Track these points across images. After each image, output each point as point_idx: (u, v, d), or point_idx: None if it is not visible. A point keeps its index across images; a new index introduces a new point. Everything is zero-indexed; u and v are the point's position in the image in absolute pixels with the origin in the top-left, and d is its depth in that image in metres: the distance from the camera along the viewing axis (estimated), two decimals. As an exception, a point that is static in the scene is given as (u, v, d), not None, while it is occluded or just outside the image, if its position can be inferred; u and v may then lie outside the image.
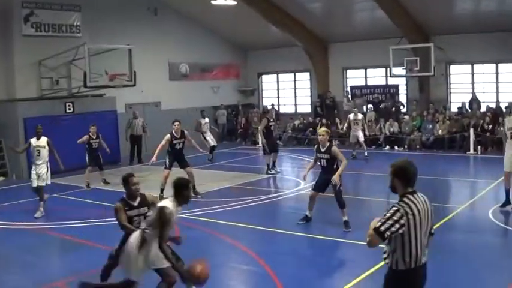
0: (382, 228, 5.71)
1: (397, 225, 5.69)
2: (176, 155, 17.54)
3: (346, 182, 15.33)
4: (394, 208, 5.79)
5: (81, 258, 11.82)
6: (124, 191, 9.19)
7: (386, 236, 5.72)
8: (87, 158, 20.81)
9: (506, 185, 14.87)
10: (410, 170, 5.98)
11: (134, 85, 24.94)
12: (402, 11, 27.99)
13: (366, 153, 25.06)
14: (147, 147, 27.23)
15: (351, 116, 26.00)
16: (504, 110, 26.99)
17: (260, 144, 24.00)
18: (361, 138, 25.60)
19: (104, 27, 26.53)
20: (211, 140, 25.40)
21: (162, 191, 16.97)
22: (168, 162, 17.46)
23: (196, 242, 12.44)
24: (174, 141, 17.51)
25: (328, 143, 13.47)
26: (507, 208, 14.68)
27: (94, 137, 20.90)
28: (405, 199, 5.86)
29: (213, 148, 25.19)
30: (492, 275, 10.29)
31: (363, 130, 26.20)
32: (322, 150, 13.42)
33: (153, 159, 17.61)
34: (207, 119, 26.38)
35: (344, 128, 27.31)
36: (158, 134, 26.96)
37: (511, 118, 15.40)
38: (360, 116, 26.07)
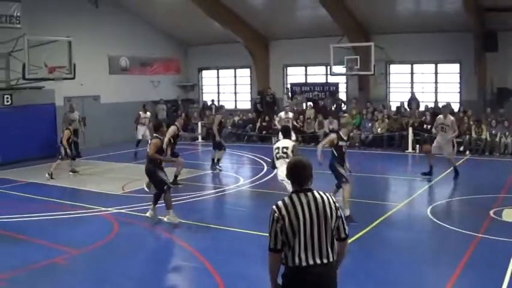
0: (271, 244, 5.64)
1: (279, 232, 5.56)
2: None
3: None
4: (271, 216, 5.65)
5: (18, 253, 11.41)
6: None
7: (279, 248, 5.62)
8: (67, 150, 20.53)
9: (429, 162, 19.06)
10: (295, 168, 5.79)
11: (73, 78, 24.42)
12: (344, 10, 28.15)
13: None
14: (85, 140, 26.74)
15: (282, 114, 25.84)
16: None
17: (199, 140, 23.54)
18: (292, 137, 25.59)
19: (44, 19, 25.82)
20: (141, 134, 25.59)
21: None
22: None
23: (136, 238, 12.23)
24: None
25: None
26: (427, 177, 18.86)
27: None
28: (286, 198, 5.71)
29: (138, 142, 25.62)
30: (431, 271, 10.35)
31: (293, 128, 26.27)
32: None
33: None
34: (148, 114, 26.18)
35: (276, 125, 27.15)
36: (97, 128, 26.80)
37: (441, 116, 19.42)
38: (290, 114, 25.82)
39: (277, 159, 13.70)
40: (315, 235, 5.62)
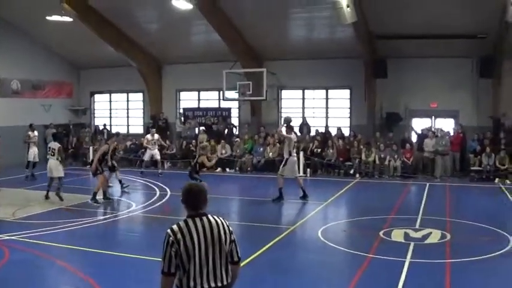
0: (165, 268, 5.64)
1: (173, 256, 5.58)
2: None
3: (172, 202, 16.90)
4: (166, 239, 5.67)
5: None
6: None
7: (172, 271, 5.63)
8: None
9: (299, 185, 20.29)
10: (191, 193, 5.85)
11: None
12: (237, 36, 28.50)
13: (160, 171, 27.11)
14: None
15: (149, 136, 27.78)
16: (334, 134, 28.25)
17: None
18: (158, 156, 27.71)
19: None
20: (33, 155, 25.40)
21: None
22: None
23: (28, 266, 11.91)
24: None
25: None
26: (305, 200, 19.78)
27: None
28: (181, 223, 5.75)
29: (34, 165, 25.45)
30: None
31: (160, 149, 28.45)
32: None
33: None
34: (36, 133, 26.00)
35: (144, 144, 28.20)
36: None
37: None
38: (156, 136, 27.83)
39: (48, 155, 19.50)
40: (210, 259, 5.69)
